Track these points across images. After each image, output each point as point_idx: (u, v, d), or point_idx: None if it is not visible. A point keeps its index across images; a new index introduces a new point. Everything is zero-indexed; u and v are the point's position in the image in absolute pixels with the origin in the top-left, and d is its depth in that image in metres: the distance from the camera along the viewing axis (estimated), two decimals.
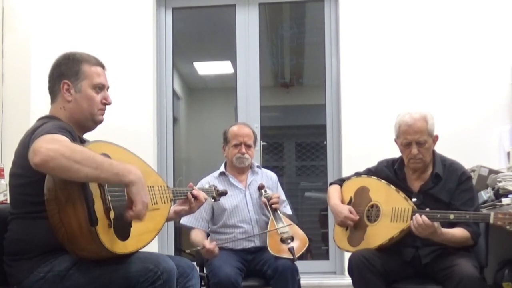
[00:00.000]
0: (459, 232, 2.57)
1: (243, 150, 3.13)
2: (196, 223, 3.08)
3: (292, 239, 2.91)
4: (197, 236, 3.03)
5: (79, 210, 1.75)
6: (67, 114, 2.06)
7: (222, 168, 3.24)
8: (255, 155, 4.13)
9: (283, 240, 2.89)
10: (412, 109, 2.73)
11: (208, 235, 3.14)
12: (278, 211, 3.04)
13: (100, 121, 2.13)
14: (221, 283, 2.72)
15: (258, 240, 3.06)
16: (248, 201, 3.14)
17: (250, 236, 3.04)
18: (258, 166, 3.33)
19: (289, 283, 2.77)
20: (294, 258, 2.81)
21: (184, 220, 3.08)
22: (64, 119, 2.04)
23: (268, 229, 2.97)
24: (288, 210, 3.27)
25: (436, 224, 2.47)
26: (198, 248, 2.86)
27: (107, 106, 2.14)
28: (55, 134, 1.78)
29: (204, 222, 3.10)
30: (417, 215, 2.48)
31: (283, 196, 3.29)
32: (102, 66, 2.15)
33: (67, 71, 2.07)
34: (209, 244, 2.84)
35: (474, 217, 2.47)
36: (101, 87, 2.11)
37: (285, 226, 2.95)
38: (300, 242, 2.93)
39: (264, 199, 3.06)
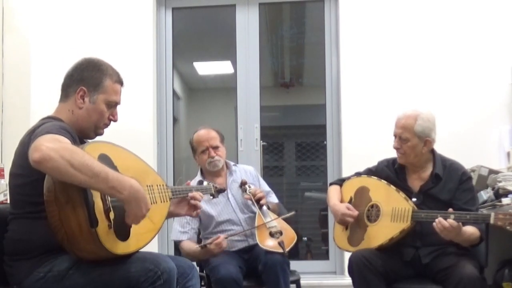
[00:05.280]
0: (474, 230, 2.55)
1: (212, 153, 3.10)
2: (185, 235, 3.05)
3: (281, 233, 2.89)
4: (189, 245, 3.01)
5: (79, 212, 1.75)
6: (73, 118, 2.06)
7: (199, 176, 3.17)
8: (256, 155, 4.16)
9: (272, 235, 2.88)
10: (413, 107, 2.74)
11: (200, 241, 3.09)
12: (265, 207, 3.01)
13: (101, 134, 2.14)
14: (222, 279, 2.71)
15: (251, 239, 3.04)
16: (232, 203, 3.12)
17: (241, 232, 3.01)
18: (234, 164, 3.29)
19: (279, 277, 2.75)
20: (284, 252, 2.79)
21: (173, 236, 3.09)
22: (68, 122, 2.03)
23: (256, 224, 2.94)
24: (274, 198, 3.26)
25: (460, 224, 2.45)
26: (206, 243, 2.84)
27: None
28: (57, 134, 1.78)
29: (192, 232, 3.07)
30: (441, 218, 2.44)
31: (266, 187, 3.28)
32: (122, 84, 2.16)
33: (88, 79, 2.06)
34: (216, 238, 2.82)
35: (474, 218, 2.47)
36: (113, 105, 2.12)
37: (272, 220, 2.91)
38: (288, 237, 2.91)
39: (248, 195, 3.03)
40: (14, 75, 4.04)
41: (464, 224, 2.49)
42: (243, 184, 3.10)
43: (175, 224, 3.09)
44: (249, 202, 3.05)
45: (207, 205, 3.01)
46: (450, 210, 2.49)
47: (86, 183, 1.72)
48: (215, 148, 3.12)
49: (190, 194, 2.33)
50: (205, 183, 2.78)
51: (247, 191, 3.04)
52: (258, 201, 3.01)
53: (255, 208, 3.02)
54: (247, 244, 3.05)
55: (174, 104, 4.42)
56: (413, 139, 2.67)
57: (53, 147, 1.68)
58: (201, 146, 3.12)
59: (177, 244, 3.12)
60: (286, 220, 3.05)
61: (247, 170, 3.28)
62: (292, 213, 3.11)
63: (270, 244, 2.84)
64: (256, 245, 2.91)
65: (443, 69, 3.93)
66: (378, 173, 2.87)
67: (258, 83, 4.28)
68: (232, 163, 3.30)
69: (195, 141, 3.16)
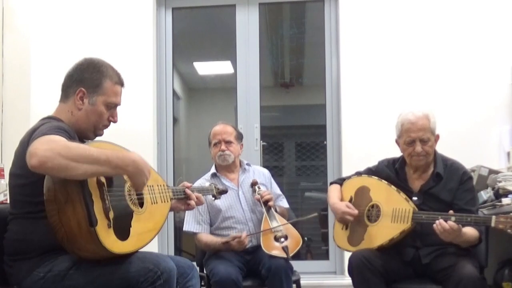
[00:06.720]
0: (473, 232, 2.56)
1: (223, 147, 3.15)
2: (199, 227, 3.09)
3: (286, 237, 2.90)
4: (208, 236, 3.06)
5: (78, 211, 1.75)
6: (72, 119, 2.06)
7: (213, 170, 3.24)
8: (256, 155, 4.16)
9: (277, 239, 2.89)
10: (414, 108, 2.74)
11: None
12: (272, 209, 3.03)
13: (100, 135, 2.14)
14: (222, 280, 2.72)
15: (254, 239, 3.05)
16: (241, 200, 3.14)
17: (256, 233, 3.03)
18: (248, 164, 3.32)
19: (283, 282, 2.76)
20: (288, 257, 2.80)
21: (187, 227, 3.11)
22: (67, 122, 2.03)
23: (262, 227, 2.96)
24: (285, 203, 3.28)
25: (460, 227, 2.45)
26: (228, 241, 2.89)
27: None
28: (51, 135, 1.78)
29: (206, 225, 3.11)
30: (441, 220, 2.44)
31: (278, 190, 3.30)
32: (123, 85, 2.16)
33: (88, 80, 2.06)
34: (239, 234, 2.89)
35: (475, 220, 2.47)
36: (113, 106, 2.12)
37: (279, 225, 2.94)
38: (293, 241, 2.92)
39: (258, 196, 3.05)
40: (14, 75, 4.04)
41: (464, 225, 2.49)
42: (253, 184, 3.14)
43: (188, 217, 3.11)
44: (258, 202, 3.07)
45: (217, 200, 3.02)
46: (451, 212, 2.49)
47: (90, 171, 1.73)
48: (228, 142, 3.17)
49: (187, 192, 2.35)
50: (207, 184, 2.80)
51: (257, 192, 3.08)
52: (266, 202, 3.02)
53: (263, 209, 3.03)
54: (251, 244, 3.05)
55: (174, 104, 4.42)
56: (431, 137, 2.69)
57: (48, 147, 1.68)
58: (214, 139, 3.19)
59: (189, 234, 3.13)
60: (294, 224, 3.06)
61: (261, 172, 3.31)
62: (314, 214, 3.13)
63: (274, 248, 2.85)
64: (260, 246, 2.92)
65: (443, 69, 3.93)
66: (378, 172, 2.87)
67: (258, 83, 4.28)
68: (246, 162, 3.32)
69: (210, 134, 3.23)
